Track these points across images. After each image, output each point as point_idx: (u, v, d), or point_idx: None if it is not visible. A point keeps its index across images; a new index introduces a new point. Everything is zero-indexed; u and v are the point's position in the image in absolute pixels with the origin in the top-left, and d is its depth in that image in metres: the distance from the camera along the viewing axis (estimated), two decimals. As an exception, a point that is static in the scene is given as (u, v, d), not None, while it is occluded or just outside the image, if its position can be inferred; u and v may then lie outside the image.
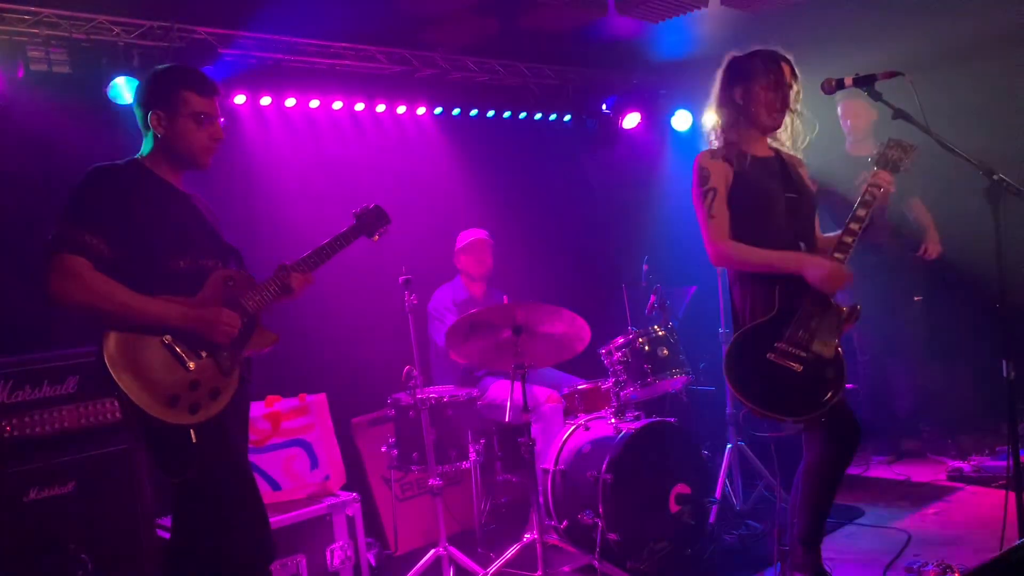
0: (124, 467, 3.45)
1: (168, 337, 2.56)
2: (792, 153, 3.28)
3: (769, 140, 3.25)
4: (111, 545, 3.36)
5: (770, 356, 2.95)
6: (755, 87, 3.12)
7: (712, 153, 3.18)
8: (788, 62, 3.15)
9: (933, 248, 5.08)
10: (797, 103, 3.17)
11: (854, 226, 3.02)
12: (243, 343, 2.74)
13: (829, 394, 2.93)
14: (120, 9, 4.15)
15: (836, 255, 2.99)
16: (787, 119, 3.19)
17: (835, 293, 3.01)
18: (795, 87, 3.15)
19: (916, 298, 5.19)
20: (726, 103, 3.20)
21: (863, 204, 3.04)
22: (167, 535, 3.32)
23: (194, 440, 2.55)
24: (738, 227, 3.11)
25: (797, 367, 2.92)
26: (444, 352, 4.72)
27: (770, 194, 3.12)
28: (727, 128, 3.20)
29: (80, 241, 2.50)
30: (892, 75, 3.03)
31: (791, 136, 3.25)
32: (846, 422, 3.10)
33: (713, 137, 3.26)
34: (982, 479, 4.67)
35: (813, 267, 2.96)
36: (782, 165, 3.21)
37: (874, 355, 5.26)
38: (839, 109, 5.21)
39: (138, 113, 2.77)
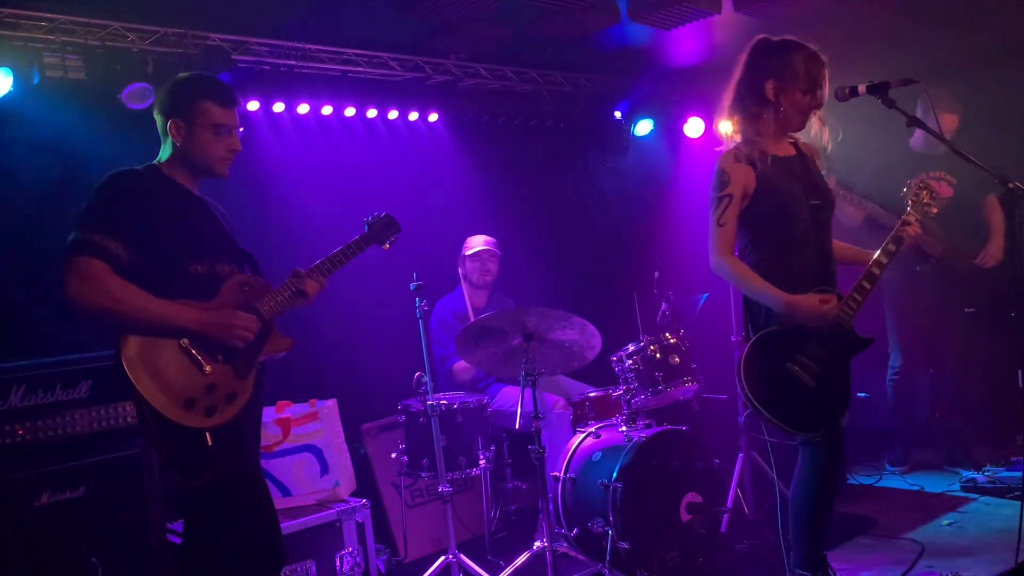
0: (135, 471, 3.45)
1: (185, 340, 2.57)
2: (808, 143, 3.19)
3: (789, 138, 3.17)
4: (121, 549, 3.36)
5: (788, 364, 2.94)
6: (792, 87, 2.99)
7: (736, 155, 3.03)
8: (825, 66, 3.03)
9: (992, 256, 4.89)
10: (823, 107, 3.08)
11: (884, 259, 3.01)
12: (259, 347, 2.75)
13: (828, 418, 2.97)
14: (135, 16, 4.18)
15: (864, 283, 2.97)
16: (810, 120, 3.10)
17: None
18: (822, 93, 3.05)
19: (968, 309, 5.04)
20: (752, 95, 3.05)
21: (895, 240, 3.03)
22: (178, 540, 3.33)
23: (210, 443, 2.55)
24: (759, 233, 3.06)
25: (811, 383, 2.93)
26: (445, 367, 4.73)
27: (793, 200, 3.03)
28: (746, 122, 3.07)
29: (98, 245, 2.51)
30: (906, 83, 3.00)
31: (814, 139, 3.16)
32: (832, 447, 3.08)
33: (733, 132, 3.13)
34: (996, 490, 4.63)
35: (801, 316, 2.93)
36: (803, 164, 3.12)
37: (906, 363, 5.21)
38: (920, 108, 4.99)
39: (158, 120, 2.79)
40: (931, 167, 5.00)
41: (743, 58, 3.12)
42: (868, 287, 2.98)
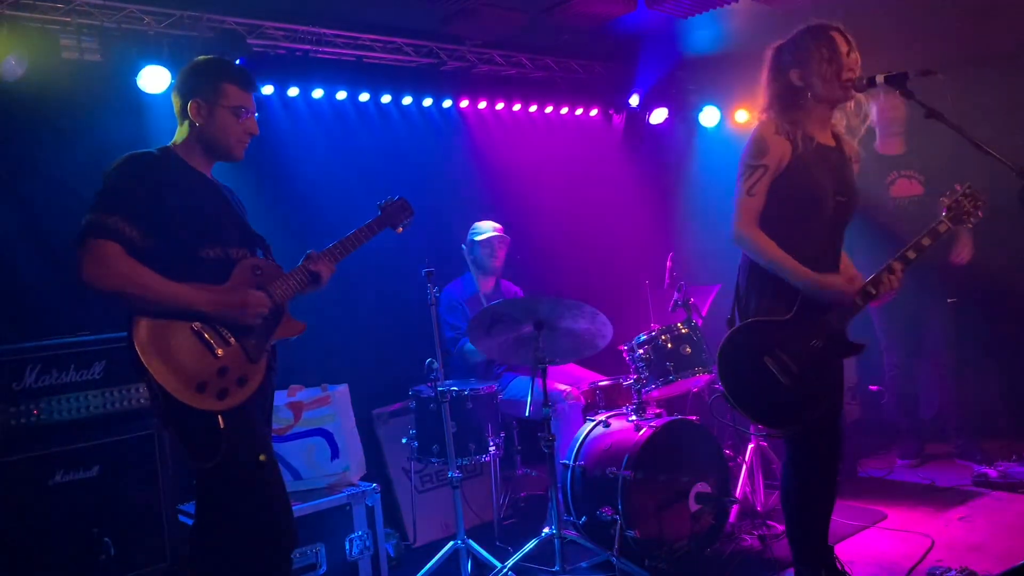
0: (147, 452, 3.49)
1: (197, 324, 2.59)
2: (851, 142, 3.11)
3: (831, 127, 3.08)
4: (133, 529, 3.40)
5: (766, 358, 2.89)
6: (813, 61, 2.92)
7: (777, 127, 2.95)
8: (839, 30, 2.96)
9: (964, 252, 4.96)
10: (858, 70, 2.96)
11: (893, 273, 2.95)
12: (271, 331, 2.76)
13: (795, 417, 2.92)
14: (151, -1, 4.19)
15: (869, 289, 2.91)
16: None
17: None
18: (853, 55, 2.95)
19: (949, 300, 5.07)
20: (783, 91, 3.01)
21: (901, 260, 2.95)
22: (189, 520, 3.36)
23: (222, 426, 2.57)
24: (777, 213, 2.95)
25: (785, 380, 2.88)
26: (456, 347, 4.73)
27: (822, 191, 2.95)
28: (790, 113, 2.98)
29: (113, 227, 2.53)
30: (926, 73, 2.95)
31: (847, 116, 3.07)
32: (814, 444, 3.04)
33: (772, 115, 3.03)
34: (1008, 485, 4.60)
35: (827, 295, 2.88)
36: (840, 160, 3.04)
37: (901, 357, 5.20)
38: (871, 103, 5.04)
39: (176, 101, 2.79)
40: (899, 167, 5.00)
41: (765, 71, 3.08)
42: (873, 292, 2.92)
